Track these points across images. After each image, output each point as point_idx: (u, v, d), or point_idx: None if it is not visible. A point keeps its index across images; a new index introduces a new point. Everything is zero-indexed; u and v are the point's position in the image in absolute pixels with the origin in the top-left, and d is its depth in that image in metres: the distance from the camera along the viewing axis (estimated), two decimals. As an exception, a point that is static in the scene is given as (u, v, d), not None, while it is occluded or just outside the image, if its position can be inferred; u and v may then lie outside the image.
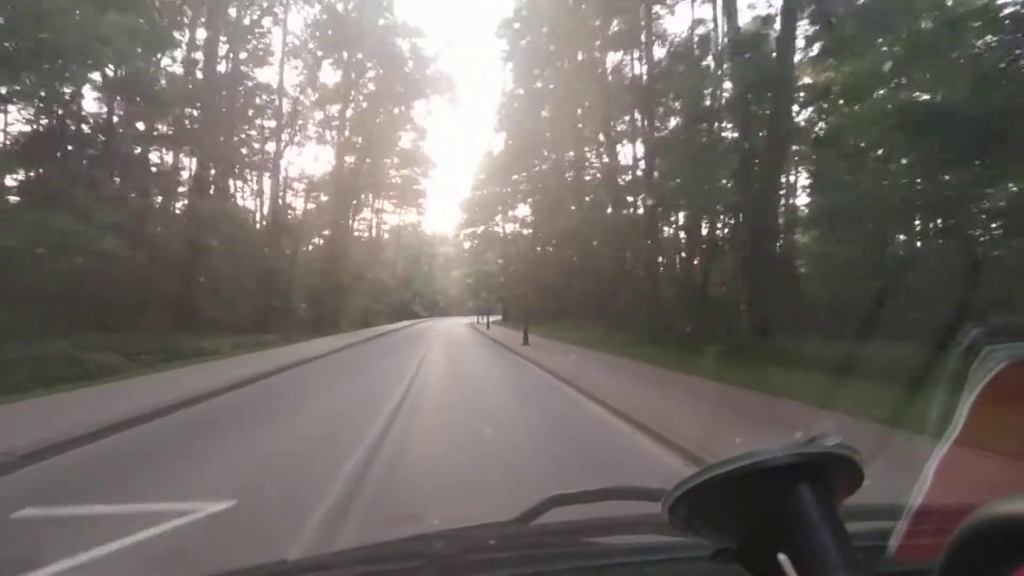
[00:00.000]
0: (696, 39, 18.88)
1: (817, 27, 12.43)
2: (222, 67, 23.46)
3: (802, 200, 18.69)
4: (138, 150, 18.59)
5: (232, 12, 23.39)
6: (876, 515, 0.86)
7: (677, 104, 19.29)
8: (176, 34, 18.82)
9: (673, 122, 20.25)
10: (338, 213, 32.41)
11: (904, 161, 11.22)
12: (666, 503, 0.56)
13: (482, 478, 4.66)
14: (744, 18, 15.82)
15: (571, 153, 32.46)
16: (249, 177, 27.85)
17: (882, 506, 0.85)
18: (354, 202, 36.72)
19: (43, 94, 13.60)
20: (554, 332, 24.54)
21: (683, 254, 21.98)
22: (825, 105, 13.32)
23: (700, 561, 0.71)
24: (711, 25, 18.34)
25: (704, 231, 20.24)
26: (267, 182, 28.74)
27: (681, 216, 20.80)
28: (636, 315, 21.80)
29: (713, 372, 9.64)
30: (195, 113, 20.09)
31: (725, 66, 16.31)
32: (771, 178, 14.12)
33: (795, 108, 14.19)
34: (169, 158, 21.25)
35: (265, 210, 28.96)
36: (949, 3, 10.18)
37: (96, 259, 14.23)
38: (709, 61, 18.20)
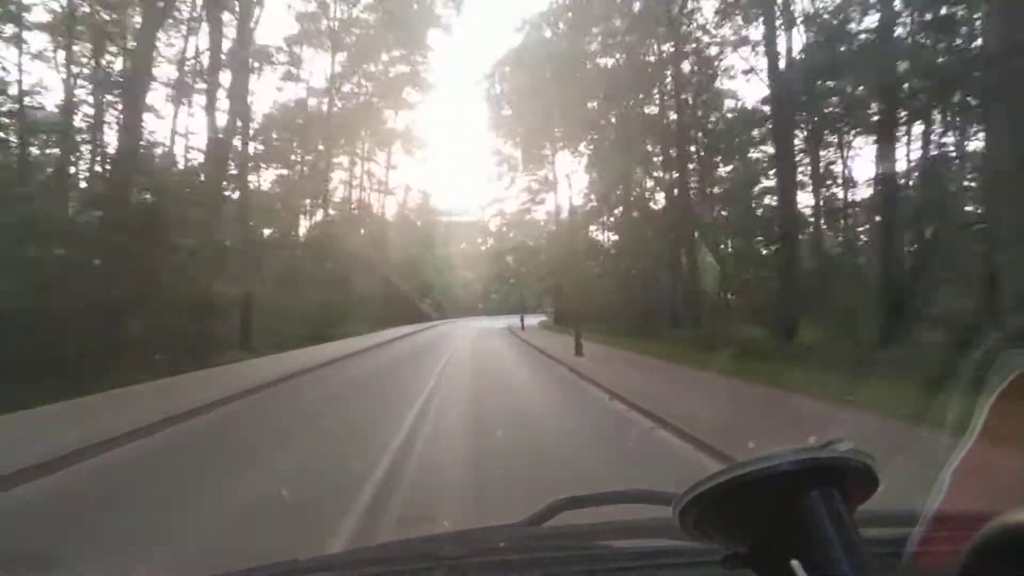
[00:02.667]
0: None
1: None
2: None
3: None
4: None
5: None
6: (892, 521, 0.85)
7: None
8: None
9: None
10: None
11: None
12: (677, 507, 0.56)
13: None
14: None
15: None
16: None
17: (898, 512, 0.84)
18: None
19: None
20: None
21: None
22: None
23: (711, 565, 0.70)
24: None
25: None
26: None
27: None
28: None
29: None
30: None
31: None
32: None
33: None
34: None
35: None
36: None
37: None
38: None
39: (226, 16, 17.50)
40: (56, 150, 14.69)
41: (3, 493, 4.73)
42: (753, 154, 18.31)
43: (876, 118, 13.56)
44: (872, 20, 13.72)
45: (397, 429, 6.66)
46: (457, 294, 55.73)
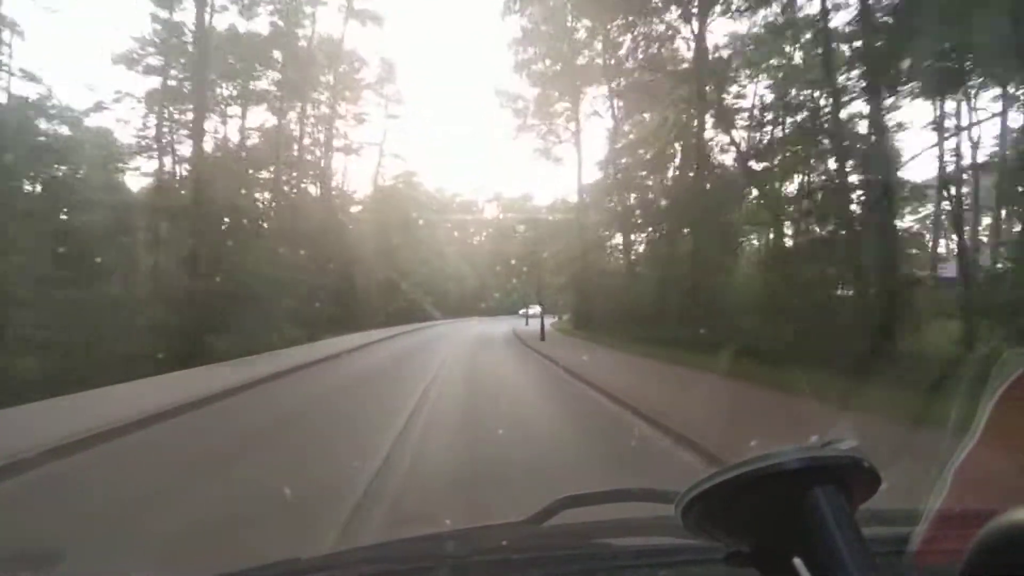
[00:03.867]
0: None
1: None
2: None
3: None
4: None
5: None
6: (895, 520, 0.85)
7: None
8: None
9: None
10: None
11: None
12: (679, 505, 0.56)
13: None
14: None
15: None
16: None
17: (901, 510, 0.84)
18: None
19: None
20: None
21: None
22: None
23: (713, 564, 0.70)
24: None
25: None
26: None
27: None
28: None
29: None
30: None
31: None
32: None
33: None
34: None
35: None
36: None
37: None
38: None
39: None
40: None
41: None
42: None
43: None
44: None
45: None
46: (451, 291, 46.24)
